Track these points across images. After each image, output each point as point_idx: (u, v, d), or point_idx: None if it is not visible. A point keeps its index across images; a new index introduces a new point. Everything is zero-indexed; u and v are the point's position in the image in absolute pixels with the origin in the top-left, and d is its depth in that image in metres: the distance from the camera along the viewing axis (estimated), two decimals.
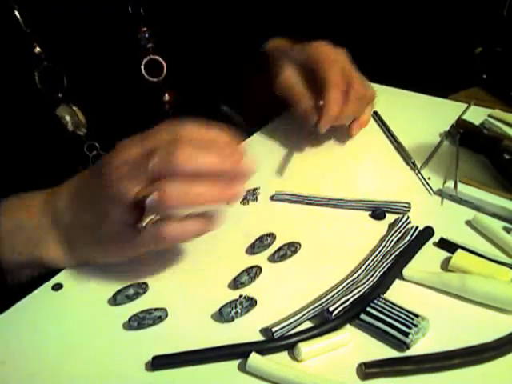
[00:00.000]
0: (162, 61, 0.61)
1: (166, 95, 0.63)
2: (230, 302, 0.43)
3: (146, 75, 0.60)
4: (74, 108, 0.55)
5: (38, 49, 0.52)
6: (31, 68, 0.52)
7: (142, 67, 0.60)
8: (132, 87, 0.60)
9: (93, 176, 0.44)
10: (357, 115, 0.67)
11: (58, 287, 0.46)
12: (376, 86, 0.87)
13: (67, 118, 0.55)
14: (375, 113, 0.78)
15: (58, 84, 0.54)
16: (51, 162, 0.52)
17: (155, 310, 0.42)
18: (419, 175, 0.62)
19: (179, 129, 0.40)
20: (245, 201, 0.58)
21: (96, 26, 0.56)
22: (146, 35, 0.59)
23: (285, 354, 0.40)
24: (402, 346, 0.40)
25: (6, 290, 0.45)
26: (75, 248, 0.46)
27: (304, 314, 0.42)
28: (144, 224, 0.40)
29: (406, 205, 0.56)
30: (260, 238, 0.50)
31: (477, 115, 0.74)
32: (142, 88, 0.61)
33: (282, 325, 0.41)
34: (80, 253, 0.46)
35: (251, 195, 0.59)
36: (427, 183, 0.61)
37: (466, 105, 0.81)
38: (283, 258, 0.49)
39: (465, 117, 0.72)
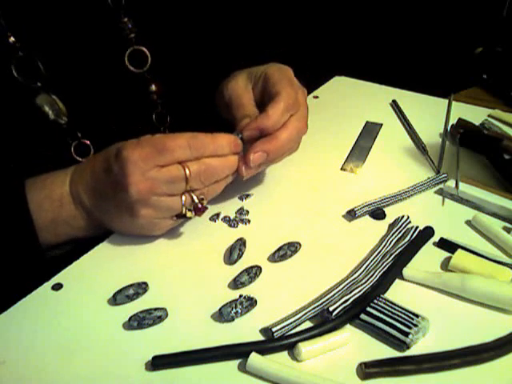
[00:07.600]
0: (146, 51, 0.61)
1: (153, 86, 0.63)
2: (230, 302, 0.43)
3: (129, 66, 0.60)
4: (54, 97, 0.55)
5: (12, 39, 0.52)
6: (8, 58, 0.52)
7: (126, 58, 0.60)
8: (115, 77, 0.60)
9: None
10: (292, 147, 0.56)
11: (57, 287, 0.46)
12: (377, 87, 0.88)
13: (47, 107, 0.55)
14: (394, 101, 0.81)
15: (36, 73, 0.54)
16: (33, 151, 0.53)
17: (155, 309, 0.42)
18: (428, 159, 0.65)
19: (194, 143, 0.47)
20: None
21: (74, 16, 0.56)
22: (129, 26, 0.59)
23: (285, 353, 0.40)
24: (402, 345, 0.40)
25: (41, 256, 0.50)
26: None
27: (304, 314, 0.42)
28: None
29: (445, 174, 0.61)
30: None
31: (477, 115, 0.74)
32: (126, 78, 0.61)
33: (281, 325, 0.41)
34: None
35: (244, 197, 0.59)
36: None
37: (466, 105, 0.81)
38: (283, 257, 0.49)
39: (465, 117, 0.72)
